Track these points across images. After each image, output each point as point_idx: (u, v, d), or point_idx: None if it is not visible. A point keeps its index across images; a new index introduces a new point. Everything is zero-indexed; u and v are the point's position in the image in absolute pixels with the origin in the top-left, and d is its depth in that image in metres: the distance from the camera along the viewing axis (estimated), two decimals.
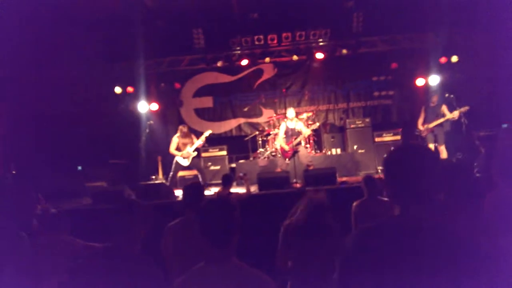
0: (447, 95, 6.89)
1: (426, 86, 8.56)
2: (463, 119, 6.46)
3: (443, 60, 8.36)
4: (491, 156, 5.38)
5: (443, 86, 7.35)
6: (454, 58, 8.12)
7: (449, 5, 7.07)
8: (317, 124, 7.54)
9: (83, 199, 5.89)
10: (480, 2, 7.04)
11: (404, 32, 8.63)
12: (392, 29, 8.55)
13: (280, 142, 6.97)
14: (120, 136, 8.41)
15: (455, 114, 6.67)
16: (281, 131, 7.07)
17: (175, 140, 7.08)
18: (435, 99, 7.08)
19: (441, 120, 6.90)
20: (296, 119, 7.09)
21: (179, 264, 2.38)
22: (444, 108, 6.94)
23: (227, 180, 4.86)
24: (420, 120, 7.24)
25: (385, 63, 9.04)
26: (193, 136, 7.30)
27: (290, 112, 7.03)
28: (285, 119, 7.19)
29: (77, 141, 7.63)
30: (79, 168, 7.41)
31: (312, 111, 8.87)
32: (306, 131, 6.94)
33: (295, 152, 6.80)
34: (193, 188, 2.96)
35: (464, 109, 6.62)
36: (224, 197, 1.73)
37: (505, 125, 6.79)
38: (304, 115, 8.24)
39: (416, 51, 8.71)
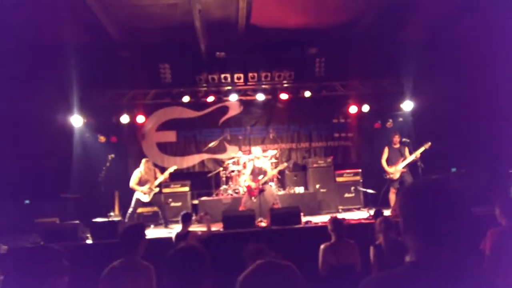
0: (404, 139, 7.26)
1: (383, 129, 9.11)
2: (419, 163, 6.81)
3: (399, 105, 9.00)
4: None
5: (401, 129, 7.73)
6: (408, 105, 8.76)
7: (405, 54, 7.72)
8: (285, 164, 7.65)
9: (31, 236, 5.36)
10: (434, 51, 7.79)
11: (363, 78, 9.25)
12: (351, 75, 9.14)
13: (246, 180, 6.94)
14: (74, 169, 7.94)
15: (419, 152, 6.79)
16: (247, 169, 7.07)
17: (137, 174, 6.81)
18: (396, 139, 7.23)
19: (407, 161, 6.96)
20: (262, 157, 7.16)
21: None
22: (406, 150, 7.11)
23: (187, 218, 4.71)
24: (384, 162, 7.26)
25: (345, 106, 9.54)
26: (156, 170, 7.08)
27: (257, 150, 7.09)
28: (251, 158, 7.23)
29: (26, 174, 7.09)
30: (27, 202, 6.81)
31: (276, 149, 9.01)
32: (272, 172, 7.00)
33: (261, 190, 6.79)
34: (132, 230, 2.94)
35: (427, 145, 6.77)
36: (193, 247, 1.67)
37: (454, 169, 7.33)
38: (269, 153, 8.35)
39: (373, 96, 9.31)
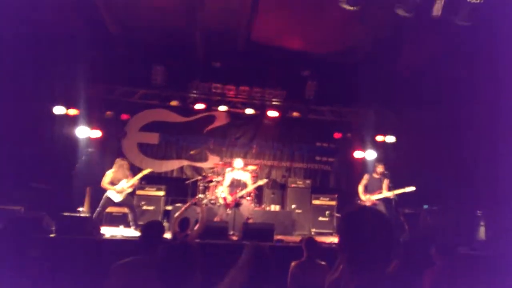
0: (385, 171, 7.26)
1: (364, 159, 9.28)
2: (394, 197, 6.86)
3: (379, 138, 9.20)
4: (414, 233, 5.85)
5: (383, 161, 7.78)
6: (390, 138, 8.97)
7: (395, 84, 7.94)
8: (265, 180, 7.62)
9: None
10: (424, 82, 8.02)
11: (350, 106, 9.46)
12: (339, 101, 9.35)
13: (224, 191, 6.89)
14: (48, 159, 7.68)
15: (397, 192, 6.65)
16: (226, 180, 7.02)
17: (110, 173, 6.64)
18: (379, 169, 7.07)
19: (381, 195, 6.86)
20: (242, 170, 7.13)
21: None
22: (385, 183, 6.93)
23: (185, 224, 4.57)
24: (361, 188, 7.14)
25: (329, 131, 9.70)
26: (130, 173, 6.91)
27: (238, 162, 7.08)
28: (232, 169, 7.19)
29: None
30: None
31: (257, 164, 9.02)
32: (251, 186, 6.98)
33: (237, 204, 6.74)
34: (154, 227, 2.84)
35: (410, 189, 6.60)
36: (185, 242, 1.69)
37: (425, 206, 7.49)
38: (249, 168, 8.34)
39: (357, 125, 9.52)
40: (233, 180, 6.90)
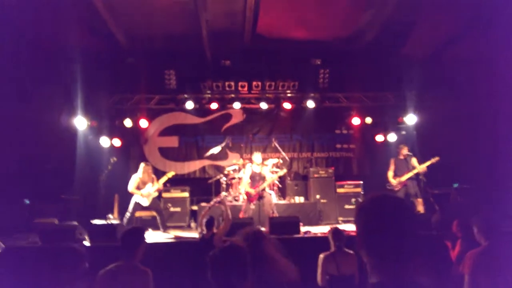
0: (409, 153, 7.18)
1: (385, 142, 9.10)
2: (422, 177, 6.75)
3: (401, 119, 9.00)
4: (445, 214, 5.69)
5: (403, 143, 7.67)
6: (411, 119, 8.76)
7: (410, 68, 7.75)
8: (285, 170, 7.58)
9: (30, 236, 5.35)
10: (441, 63, 7.81)
11: (366, 91, 9.27)
12: (355, 87, 9.18)
13: (245, 186, 6.93)
14: (75, 171, 7.96)
15: (426, 165, 6.71)
16: (246, 175, 7.06)
17: (135, 178, 6.80)
18: (404, 151, 7.14)
19: (412, 172, 6.89)
20: (262, 164, 7.15)
21: None
22: (414, 161, 7.03)
23: (211, 224, 4.64)
24: (391, 173, 7.21)
25: (347, 118, 9.55)
26: (154, 178, 7.06)
27: (257, 157, 7.09)
28: (251, 163, 7.22)
29: (28, 174, 7.10)
30: (27, 201, 6.82)
31: (277, 158, 9.01)
32: (272, 177, 6.98)
33: (260, 197, 6.77)
34: (132, 233, 2.93)
35: (435, 159, 6.69)
36: (236, 247, 1.71)
37: (455, 185, 7.28)
38: (270, 161, 8.34)
39: (376, 108, 9.32)
40: (253, 174, 6.94)
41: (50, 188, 7.12)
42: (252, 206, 6.79)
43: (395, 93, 9.06)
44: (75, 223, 5.68)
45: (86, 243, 5.22)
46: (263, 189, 6.85)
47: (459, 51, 7.48)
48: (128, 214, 6.69)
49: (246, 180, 6.97)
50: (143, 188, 6.73)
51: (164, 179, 7.01)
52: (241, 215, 6.74)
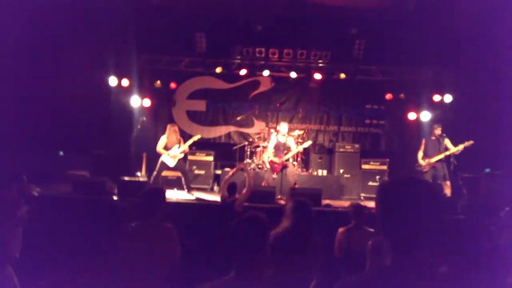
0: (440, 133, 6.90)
1: (418, 121, 8.77)
2: (453, 159, 6.50)
3: (436, 97, 8.59)
4: (473, 199, 5.52)
5: (437, 123, 7.34)
6: (448, 97, 8.34)
7: (448, 44, 7.27)
8: (310, 142, 7.52)
9: (62, 186, 5.68)
10: (480, 43, 7.28)
11: (402, 65, 8.85)
12: (390, 60, 8.76)
13: (269, 155, 6.96)
14: (107, 128, 8.24)
15: (460, 148, 6.43)
16: (270, 144, 7.06)
17: (163, 139, 6.97)
18: (437, 131, 6.84)
19: (444, 154, 6.63)
20: (287, 134, 7.11)
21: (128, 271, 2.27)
22: (448, 142, 6.71)
23: (233, 188, 4.72)
24: (420, 153, 6.97)
25: (380, 92, 9.22)
26: (180, 139, 7.20)
27: (284, 127, 7.05)
28: (276, 133, 7.19)
29: (62, 126, 7.41)
30: (61, 153, 7.17)
31: (303, 129, 8.92)
32: (297, 148, 6.95)
33: (284, 167, 6.80)
34: (153, 193, 2.91)
35: (469, 143, 6.40)
36: (257, 217, 1.76)
37: (487, 170, 6.99)
38: (296, 133, 8.28)
39: (411, 85, 8.93)
40: (278, 144, 6.92)
41: (82, 142, 7.44)
42: (275, 176, 6.84)
43: (432, 69, 8.58)
44: (105, 177, 5.95)
45: (115, 197, 5.49)
46: (287, 160, 6.85)
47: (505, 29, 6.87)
48: (154, 173, 6.93)
49: (270, 149, 6.98)
50: (170, 149, 6.91)
51: (190, 141, 7.13)
52: (263, 184, 6.82)
